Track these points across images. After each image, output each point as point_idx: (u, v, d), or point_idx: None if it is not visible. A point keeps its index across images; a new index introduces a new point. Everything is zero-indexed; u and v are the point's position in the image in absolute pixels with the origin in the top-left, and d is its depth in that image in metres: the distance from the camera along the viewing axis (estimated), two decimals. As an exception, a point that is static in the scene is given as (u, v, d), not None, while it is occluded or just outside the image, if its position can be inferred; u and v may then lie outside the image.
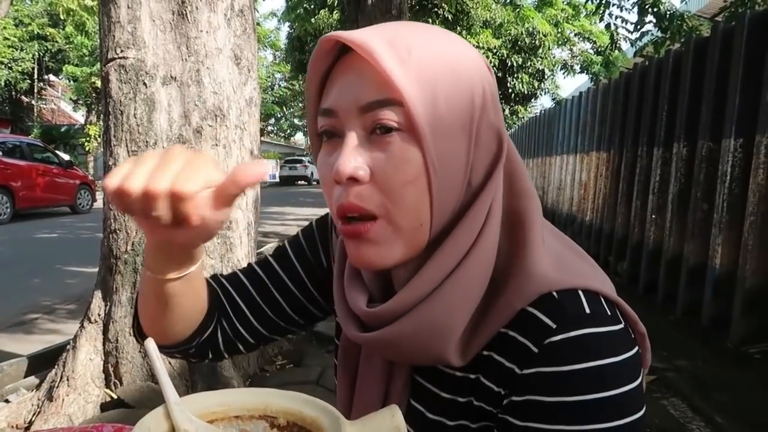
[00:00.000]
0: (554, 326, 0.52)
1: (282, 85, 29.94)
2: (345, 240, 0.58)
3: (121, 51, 2.41)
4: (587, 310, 0.53)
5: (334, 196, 0.57)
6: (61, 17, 14.94)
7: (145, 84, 2.41)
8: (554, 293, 0.54)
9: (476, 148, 0.56)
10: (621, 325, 0.54)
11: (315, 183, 33.98)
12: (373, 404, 0.63)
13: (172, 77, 2.46)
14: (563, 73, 17.55)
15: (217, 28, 2.51)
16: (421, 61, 0.53)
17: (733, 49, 3.77)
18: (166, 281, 0.61)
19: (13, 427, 2.26)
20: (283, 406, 0.56)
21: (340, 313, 0.66)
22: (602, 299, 0.55)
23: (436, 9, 13.29)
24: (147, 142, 2.41)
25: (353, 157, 0.54)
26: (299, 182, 32.63)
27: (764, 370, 3.14)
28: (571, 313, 0.52)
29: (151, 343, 0.66)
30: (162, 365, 0.63)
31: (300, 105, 34.41)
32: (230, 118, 2.56)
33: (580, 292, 0.54)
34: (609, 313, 0.54)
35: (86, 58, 20.16)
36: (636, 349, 0.54)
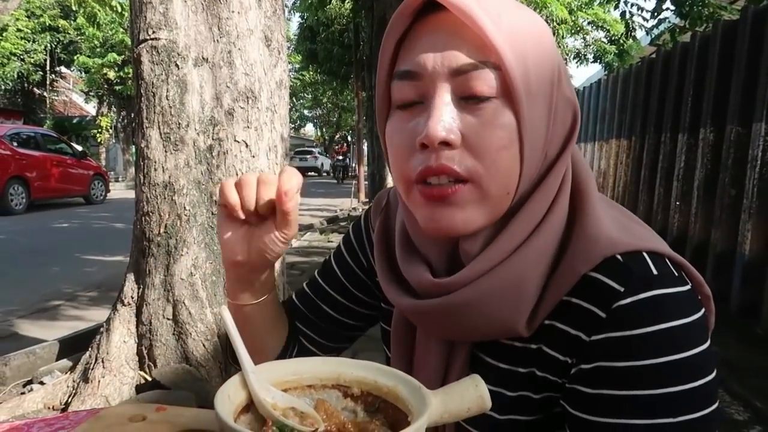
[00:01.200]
0: (622, 289, 0.51)
1: (291, 75, 29.88)
2: (422, 205, 0.56)
3: (153, 32, 2.38)
4: (654, 272, 0.51)
5: (414, 163, 0.54)
6: (73, 8, 14.95)
7: (177, 65, 2.39)
8: (618, 256, 0.52)
9: (554, 120, 0.55)
10: (688, 286, 0.53)
11: (325, 174, 34.00)
12: (434, 382, 0.62)
13: (203, 58, 2.43)
14: (576, 63, 17.36)
15: (248, 8, 2.48)
16: (511, 27, 0.52)
17: (765, 31, 3.70)
18: (245, 306, 0.69)
19: (49, 408, 2.26)
20: (355, 376, 0.56)
21: (390, 287, 0.65)
22: (667, 260, 0.54)
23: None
24: (179, 123, 2.39)
25: (446, 121, 0.51)
26: (309, 173, 32.66)
27: (797, 357, 3.10)
28: (639, 275, 0.51)
29: (225, 311, 0.64)
30: (237, 334, 0.61)
31: (309, 96, 34.33)
32: (261, 100, 2.53)
33: (645, 254, 0.53)
34: (676, 274, 0.53)
35: (98, 50, 20.18)
36: (703, 310, 0.52)
